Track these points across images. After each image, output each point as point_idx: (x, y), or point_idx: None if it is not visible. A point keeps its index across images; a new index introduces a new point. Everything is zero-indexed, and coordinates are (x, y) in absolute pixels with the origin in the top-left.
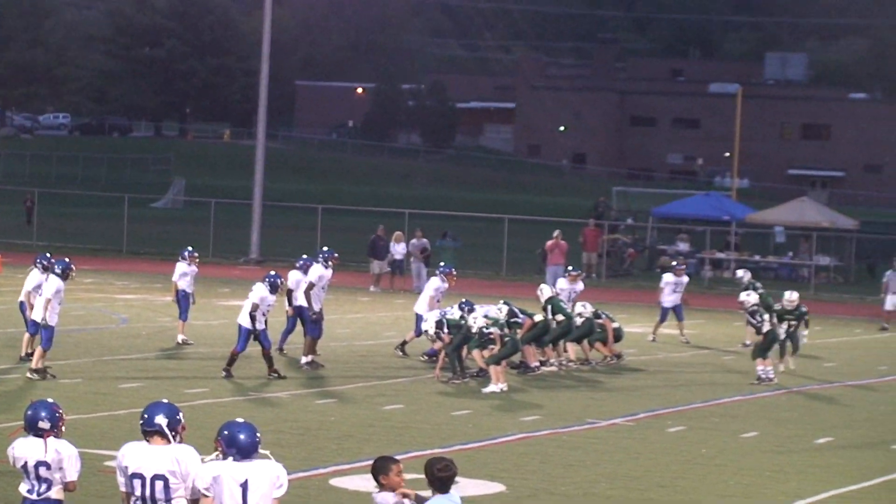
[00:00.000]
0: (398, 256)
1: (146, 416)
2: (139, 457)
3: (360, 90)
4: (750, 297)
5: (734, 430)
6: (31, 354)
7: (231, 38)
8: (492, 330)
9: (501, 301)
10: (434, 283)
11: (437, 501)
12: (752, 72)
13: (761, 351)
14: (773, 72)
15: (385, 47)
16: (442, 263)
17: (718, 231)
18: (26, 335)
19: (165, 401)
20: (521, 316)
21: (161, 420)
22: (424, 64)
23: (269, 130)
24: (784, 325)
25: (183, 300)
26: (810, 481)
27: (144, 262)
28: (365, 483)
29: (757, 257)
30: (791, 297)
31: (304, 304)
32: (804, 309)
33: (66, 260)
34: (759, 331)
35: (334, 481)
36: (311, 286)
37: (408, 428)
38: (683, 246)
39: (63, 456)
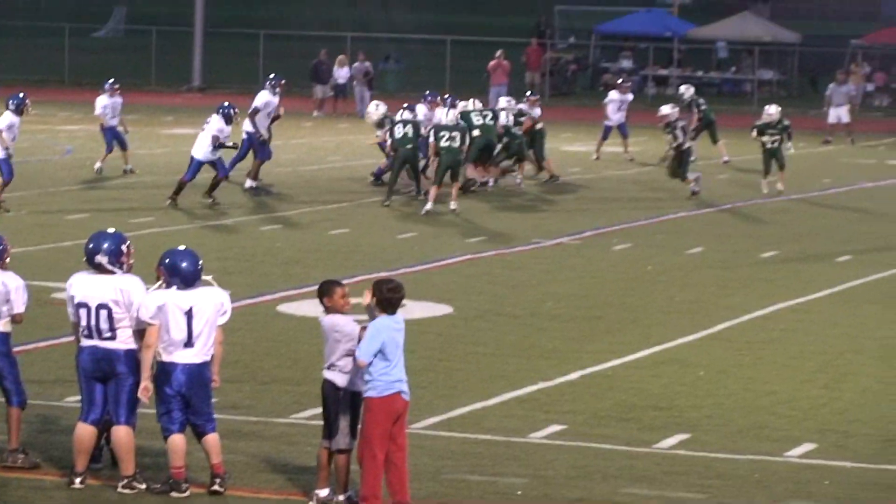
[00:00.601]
0: (341, 80)
1: (91, 245)
2: (85, 286)
3: None
4: (665, 109)
5: (679, 247)
6: None
7: None
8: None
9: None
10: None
11: (382, 321)
12: None
13: (678, 166)
14: None
15: None
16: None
17: (661, 48)
18: None
19: (111, 230)
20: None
21: (102, 250)
22: None
23: None
24: (766, 139)
25: (107, 133)
26: (756, 295)
27: (87, 91)
28: (312, 308)
29: (700, 73)
30: (770, 110)
31: (252, 129)
32: (787, 122)
33: (21, 95)
34: (678, 147)
35: (282, 307)
36: (255, 111)
37: (354, 252)
38: (626, 63)
39: (10, 288)
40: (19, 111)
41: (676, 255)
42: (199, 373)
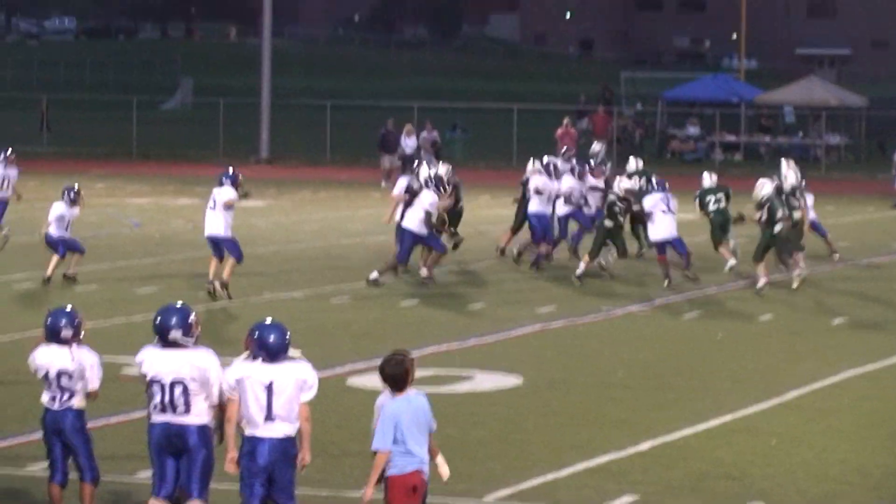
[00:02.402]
0: (409, 150)
1: (160, 320)
2: (157, 362)
3: None
4: (624, 184)
5: (749, 314)
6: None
7: None
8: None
9: None
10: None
11: (394, 406)
12: None
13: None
14: None
15: None
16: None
17: (728, 113)
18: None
19: (179, 304)
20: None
21: (173, 325)
22: None
23: (275, 27)
24: (711, 205)
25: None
26: (826, 362)
27: (155, 164)
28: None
29: (767, 138)
30: (712, 178)
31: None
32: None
33: (75, 187)
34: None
35: (352, 380)
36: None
37: (424, 323)
38: (693, 129)
39: (86, 364)
40: (73, 202)
41: (746, 323)
42: (282, 448)
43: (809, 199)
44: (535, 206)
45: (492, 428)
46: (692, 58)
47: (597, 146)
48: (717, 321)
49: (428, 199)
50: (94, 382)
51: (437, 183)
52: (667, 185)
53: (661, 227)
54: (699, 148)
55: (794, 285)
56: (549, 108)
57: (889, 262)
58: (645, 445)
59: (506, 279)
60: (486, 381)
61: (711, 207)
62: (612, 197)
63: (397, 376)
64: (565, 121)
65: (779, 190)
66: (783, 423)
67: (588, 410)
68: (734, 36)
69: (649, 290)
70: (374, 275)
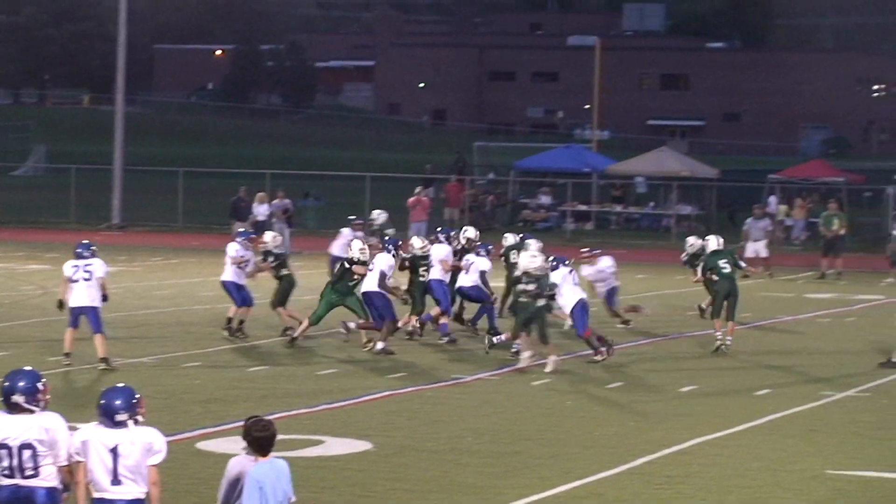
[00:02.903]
0: (261, 217)
1: (6, 384)
2: (4, 427)
3: (218, 52)
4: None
5: (599, 381)
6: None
7: (88, 4)
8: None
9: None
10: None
11: (261, 470)
12: (611, 23)
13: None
14: (632, 23)
15: (243, 9)
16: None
17: (580, 183)
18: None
19: (27, 368)
20: None
21: (18, 389)
22: (283, 24)
23: (129, 95)
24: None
25: None
26: (676, 429)
27: (6, 230)
28: (232, 445)
29: (618, 208)
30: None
31: None
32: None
33: None
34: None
35: (201, 445)
36: None
37: (273, 389)
38: (545, 199)
39: None
40: None
41: (596, 390)
42: None
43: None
44: (436, 274)
45: (342, 492)
46: (545, 128)
47: (472, 231)
48: (565, 388)
49: (385, 261)
50: None
51: (395, 246)
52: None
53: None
54: (551, 217)
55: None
56: (403, 177)
57: (739, 332)
58: None
59: (356, 346)
60: (336, 445)
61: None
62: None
63: (264, 440)
64: (417, 189)
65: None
66: (631, 490)
67: (437, 476)
68: (587, 106)
69: (498, 357)
70: (378, 346)
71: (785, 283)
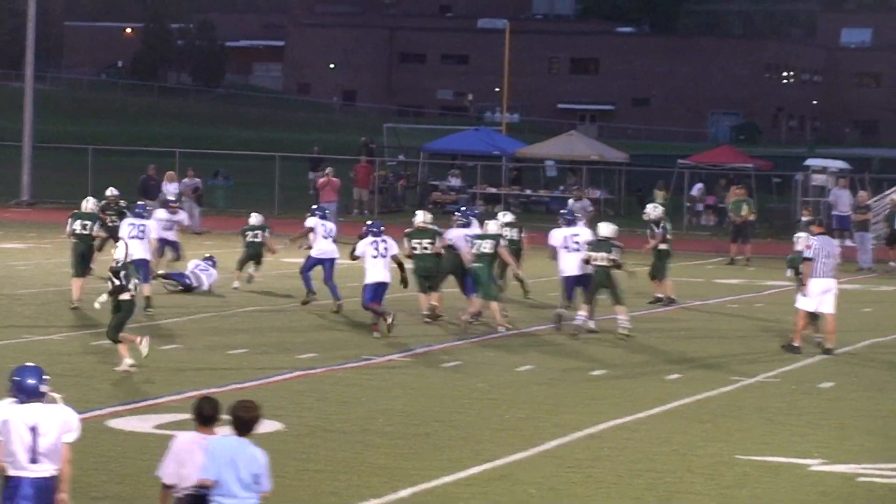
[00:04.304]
0: (170, 196)
1: None
2: None
3: (128, 30)
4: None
5: (509, 364)
6: None
7: None
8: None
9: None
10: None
11: (215, 440)
12: (521, 6)
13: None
14: (542, 6)
15: None
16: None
17: (490, 166)
18: None
19: None
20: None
21: None
22: (193, 3)
23: (38, 72)
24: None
25: None
26: (586, 413)
27: None
28: (141, 423)
29: (528, 191)
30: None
31: None
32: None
33: None
34: None
35: (111, 422)
36: None
37: (185, 368)
38: (455, 181)
39: None
40: None
41: (506, 373)
42: (46, 487)
43: None
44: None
45: None
46: (455, 110)
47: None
48: (476, 371)
49: (394, 248)
50: None
51: None
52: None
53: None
54: (461, 199)
55: None
56: (312, 156)
57: (646, 316)
58: (404, 493)
59: (267, 325)
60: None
61: None
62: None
63: (242, 420)
64: (328, 170)
65: None
66: (541, 473)
67: (348, 457)
68: (497, 89)
69: (409, 339)
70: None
71: (694, 268)
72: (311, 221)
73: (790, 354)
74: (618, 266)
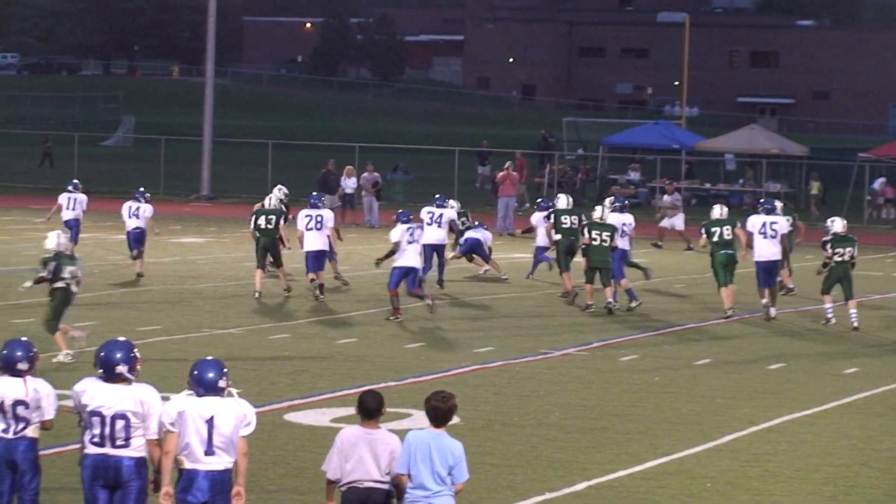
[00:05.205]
0: (349, 190)
1: (105, 354)
2: (100, 395)
3: (308, 25)
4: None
5: (686, 358)
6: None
7: None
8: None
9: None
10: None
11: (414, 433)
12: (701, 0)
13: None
14: (721, 0)
15: None
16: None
17: (669, 160)
18: None
19: (122, 339)
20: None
21: (119, 360)
22: None
23: (218, 67)
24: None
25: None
26: (763, 407)
27: (95, 200)
28: (319, 417)
29: (707, 185)
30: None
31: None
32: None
33: None
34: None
35: (289, 416)
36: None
37: (361, 361)
38: (634, 175)
39: (42, 395)
40: None
41: (683, 366)
42: (221, 479)
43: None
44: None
45: None
46: (634, 104)
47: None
48: (653, 364)
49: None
50: (49, 413)
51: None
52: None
53: None
54: (640, 193)
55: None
56: (491, 151)
57: (836, 311)
58: (580, 486)
59: (444, 319)
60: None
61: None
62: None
63: (439, 410)
64: (507, 164)
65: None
66: (718, 467)
67: (523, 451)
68: (676, 83)
69: (587, 333)
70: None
71: (874, 262)
72: (535, 217)
73: None
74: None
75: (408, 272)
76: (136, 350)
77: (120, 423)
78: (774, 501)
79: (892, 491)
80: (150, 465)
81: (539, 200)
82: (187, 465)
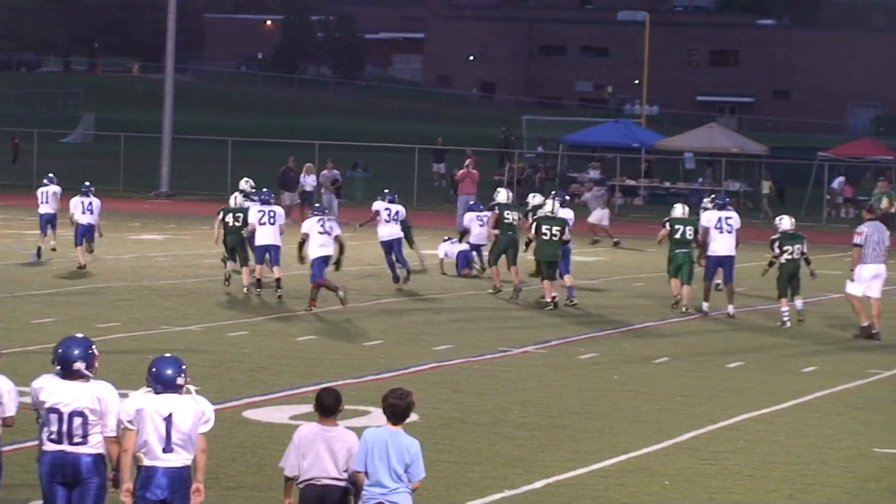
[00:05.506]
0: (309, 188)
1: (62, 351)
2: (57, 392)
3: (268, 23)
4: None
5: (645, 356)
6: None
7: None
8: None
9: None
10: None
11: (370, 431)
12: None
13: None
14: None
15: None
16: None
17: (629, 158)
18: None
19: (80, 335)
20: None
21: (77, 357)
22: None
23: (179, 64)
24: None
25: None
26: (722, 405)
27: None
28: (278, 414)
29: (667, 184)
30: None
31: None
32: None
33: None
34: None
35: (248, 413)
36: None
37: (320, 359)
38: (594, 173)
39: (2, 391)
40: None
41: (642, 365)
42: (180, 476)
43: None
44: None
45: None
46: (594, 103)
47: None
48: (612, 362)
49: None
50: (10, 409)
51: None
52: None
53: None
54: (602, 191)
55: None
56: (451, 149)
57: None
58: (539, 484)
59: (404, 316)
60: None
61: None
62: None
63: (397, 408)
64: (466, 162)
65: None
66: (677, 465)
67: (482, 449)
68: (636, 82)
69: (546, 331)
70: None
71: (834, 261)
72: (468, 218)
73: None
74: (807, 260)
75: (326, 260)
76: (94, 347)
77: (77, 421)
78: (733, 499)
79: (850, 489)
80: (108, 463)
81: (471, 203)
82: (146, 462)
